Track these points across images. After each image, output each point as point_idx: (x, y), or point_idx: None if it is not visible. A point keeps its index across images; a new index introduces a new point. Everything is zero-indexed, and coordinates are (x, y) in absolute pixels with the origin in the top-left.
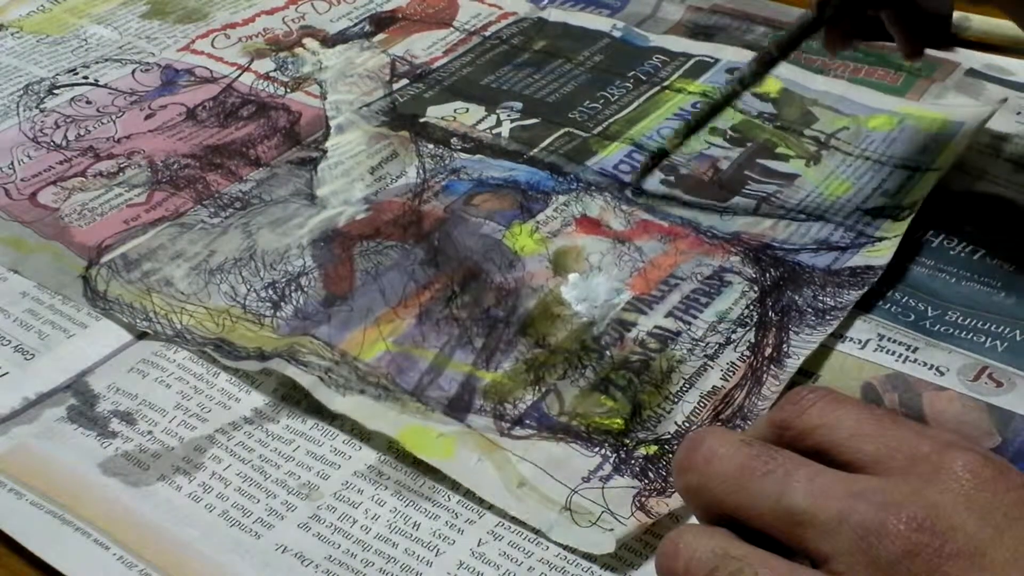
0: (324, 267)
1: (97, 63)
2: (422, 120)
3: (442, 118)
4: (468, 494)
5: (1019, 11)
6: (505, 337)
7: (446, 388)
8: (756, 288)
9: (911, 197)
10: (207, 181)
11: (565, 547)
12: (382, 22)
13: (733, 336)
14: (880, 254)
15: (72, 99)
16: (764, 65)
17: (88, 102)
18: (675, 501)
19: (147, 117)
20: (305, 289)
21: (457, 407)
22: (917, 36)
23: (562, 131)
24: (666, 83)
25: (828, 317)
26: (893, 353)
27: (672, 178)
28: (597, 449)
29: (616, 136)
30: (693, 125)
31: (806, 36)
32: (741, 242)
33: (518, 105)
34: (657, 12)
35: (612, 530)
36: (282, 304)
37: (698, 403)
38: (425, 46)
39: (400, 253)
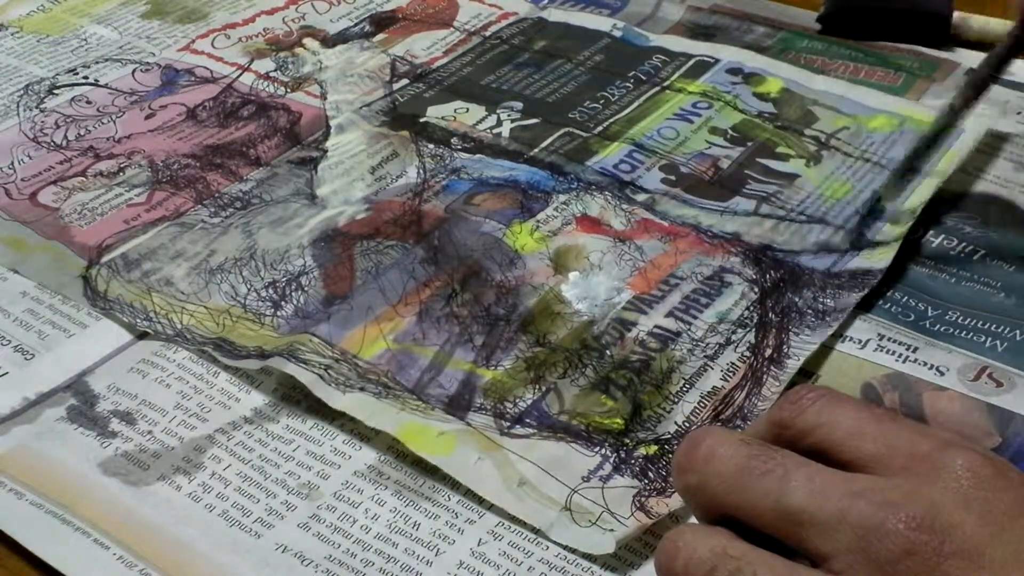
0: (324, 267)
1: (97, 63)
2: (422, 120)
3: (442, 118)
4: (468, 494)
5: None
6: (505, 335)
7: (446, 386)
8: (756, 289)
9: (911, 203)
10: (207, 181)
11: (565, 547)
12: (382, 22)
13: (733, 337)
14: (880, 257)
15: (72, 99)
16: (977, 89)
17: (88, 102)
18: (675, 501)
19: (147, 117)
20: (305, 289)
21: (457, 405)
22: None
23: (562, 131)
24: (666, 83)
25: (828, 319)
26: (893, 353)
27: (673, 177)
28: (597, 449)
29: (616, 136)
30: (908, 164)
31: (1015, 55)
32: (741, 243)
33: (518, 105)
34: (657, 12)
35: (612, 530)
36: (282, 303)
37: (698, 403)
38: (425, 46)
39: (400, 252)
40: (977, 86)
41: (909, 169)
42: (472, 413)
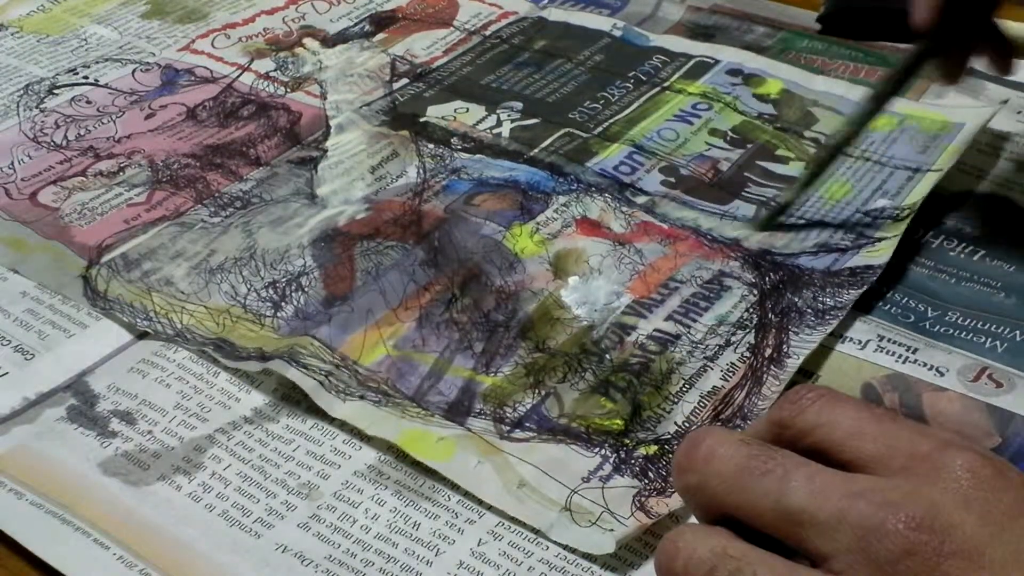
0: (324, 267)
1: (97, 63)
2: (422, 120)
3: (442, 118)
4: (468, 494)
5: None
6: (505, 341)
7: (446, 393)
8: (755, 292)
9: (911, 198)
10: (207, 180)
11: (565, 547)
12: (382, 22)
13: (733, 338)
14: (879, 254)
15: (72, 99)
16: (879, 101)
17: (88, 102)
18: (675, 501)
19: (147, 117)
20: (305, 289)
21: (457, 411)
22: (1006, 54)
23: (562, 131)
24: (666, 84)
25: (828, 317)
26: (893, 354)
27: (672, 179)
28: (597, 449)
29: (616, 137)
30: (813, 172)
31: (920, 64)
32: (740, 247)
33: (518, 105)
34: (657, 12)
35: (612, 530)
36: (283, 304)
37: (698, 403)
38: (425, 46)
39: (400, 253)
40: (879, 98)
41: (812, 176)
42: (472, 419)
